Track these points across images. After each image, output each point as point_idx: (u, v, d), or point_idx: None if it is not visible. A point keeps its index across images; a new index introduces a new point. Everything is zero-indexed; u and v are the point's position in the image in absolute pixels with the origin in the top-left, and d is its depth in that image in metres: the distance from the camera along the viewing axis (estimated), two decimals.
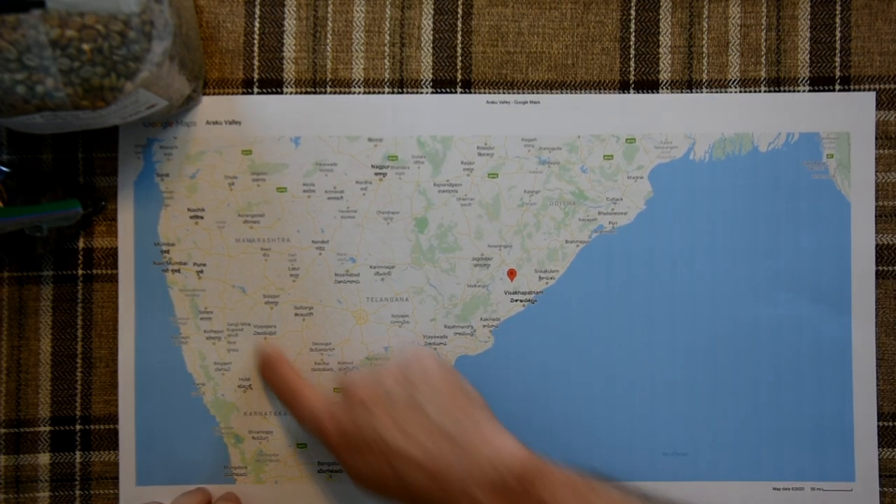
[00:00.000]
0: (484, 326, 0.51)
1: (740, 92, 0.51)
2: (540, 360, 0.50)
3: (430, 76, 0.51)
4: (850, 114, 0.50)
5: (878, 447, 0.50)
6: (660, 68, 0.51)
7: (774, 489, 0.50)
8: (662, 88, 0.51)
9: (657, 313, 0.50)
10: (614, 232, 0.50)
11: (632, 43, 0.51)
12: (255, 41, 0.50)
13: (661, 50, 0.51)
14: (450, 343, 0.50)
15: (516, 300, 0.51)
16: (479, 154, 0.50)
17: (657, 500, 0.40)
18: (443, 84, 0.51)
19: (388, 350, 0.51)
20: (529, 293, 0.51)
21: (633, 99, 0.51)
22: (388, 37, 0.51)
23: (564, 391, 0.50)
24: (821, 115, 0.50)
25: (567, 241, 0.50)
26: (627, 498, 0.40)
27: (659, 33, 0.51)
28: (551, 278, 0.51)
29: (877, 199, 0.50)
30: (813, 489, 0.50)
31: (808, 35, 0.51)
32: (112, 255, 0.50)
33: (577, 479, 0.40)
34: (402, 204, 0.50)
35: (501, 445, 0.41)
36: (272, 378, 0.49)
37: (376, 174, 0.50)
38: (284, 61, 0.50)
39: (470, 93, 0.51)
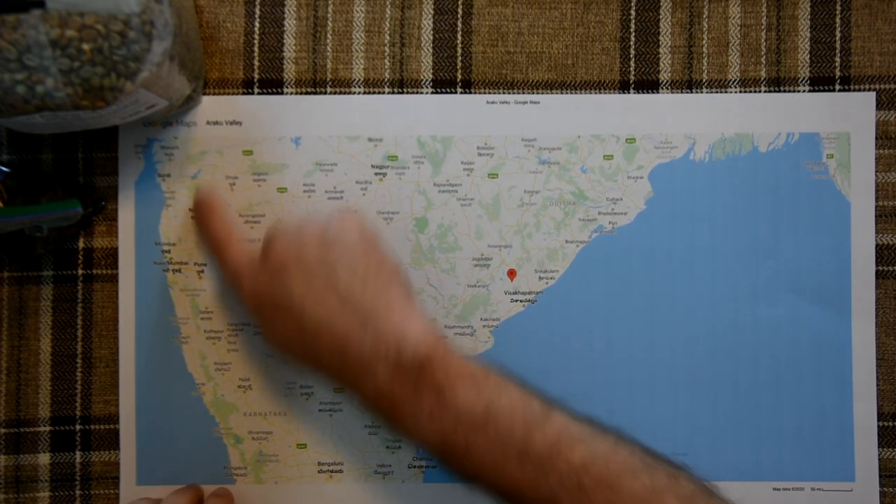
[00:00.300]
0: (484, 326, 0.50)
1: (740, 92, 0.50)
2: (540, 360, 0.50)
3: (430, 76, 0.50)
4: (850, 114, 0.50)
5: (878, 447, 0.50)
6: (660, 68, 0.51)
7: (774, 489, 0.50)
8: (662, 88, 0.51)
9: (657, 313, 0.50)
10: (614, 232, 0.50)
11: (632, 43, 0.51)
12: (255, 41, 0.50)
13: (661, 50, 0.51)
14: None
15: (516, 300, 0.50)
16: (479, 154, 0.50)
17: (561, 408, 0.40)
18: (443, 84, 0.50)
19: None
20: (529, 293, 0.50)
21: (634, 99, 0.50)
22: (388, 37, 0.50)
23: (564, 391, 0.48)
24: (821, 116, 0.50)
25: (567, 242, 0.50)
26: (527, 396, 0.39)
27: (659, 33, 0.51)
28: (551, 278, 0.50)
29: (877, 199, 0.50)
30: (813, 489, 0.50)
31: (808, 35, 0.50)
32: (112, 255, 0.50)
33: (475, 368, 0.40)
34: (402, 204, 0.50)
35: (409, 326, 0.40)
36: (204, 224, 0.47)
37: (376, 174, 0.50)
38: (284, 61, 0.50)
39: (470, 93, 0.51)
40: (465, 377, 0.39)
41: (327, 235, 0.42)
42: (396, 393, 0.39)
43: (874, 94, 0.50)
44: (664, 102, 0.50)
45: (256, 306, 0.43)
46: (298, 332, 0.41)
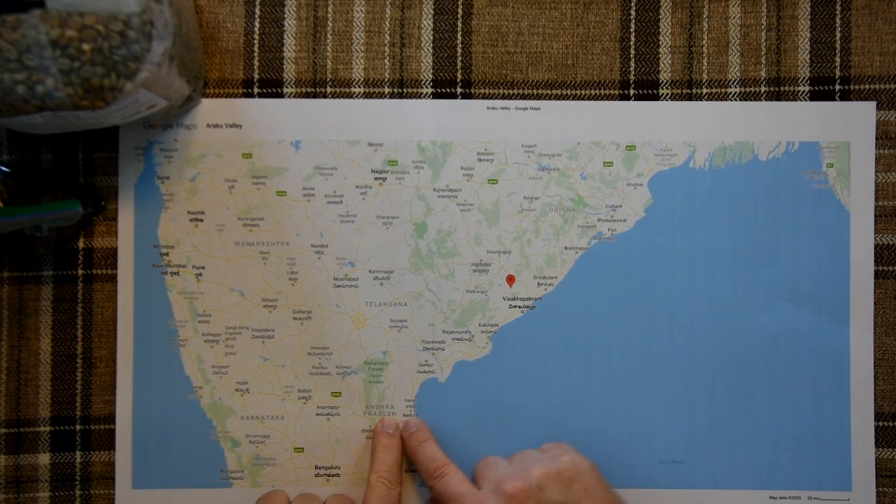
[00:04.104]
0: (482, 332, 0.49)
1: (740, 91, 0.50)
2: (538, 366, 0.49)
3: (430, 76, 0.50)
4: (850, 123, 0.49)
5: (876, 447, 0.49)
6: (660, 68, 0.50)
7: (771, 498, 0.49)
8: (662, 88, 0.50)
9: (655, 321, 0.49)
10: (613, 239, 0.50)
11: (632, 43, 0.50)
12: (255, 41, 0.50)
13: (661, 50, 0.50)
14: (448, 348, 0.49)
15: (515, 306, 0.50)
16: (479, 160, 0.50)
17: None
18: (443, 84, 0.50)
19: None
20: (528, 299, 0.50)
21: (634, 106, 0.50)
22: (388, 37, 0.50)
23: (562, 398, 0.49)
24: (821, 125, 0.49)
25: (566, 248, 0.50)
26: None
27: (659, 33, 0.50)
28: (550, 285, 0.50)
29: (876, 199, 0.49)
30: (810, 498, 0.49)
31: (808, 35, 0.50)
32: (112, 255, 0.49)
33: None
34: (402, 209, 0.49)
35: None
36: (416, 453, 0.48)
37: (376, 179, 0.49)
38: (284, 61, 0.50)
39: (470, 92, 0.50)
40: None
41: (564, 476, 0.43)
42: None
43: (874, 103, 0.49)
44: (664, 110, 0.50)
45: None
46: None
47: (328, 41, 0.50)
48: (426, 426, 0.49)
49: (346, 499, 0.47)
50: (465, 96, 0.50)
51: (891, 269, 0.49)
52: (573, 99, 0.50)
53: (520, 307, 0.50)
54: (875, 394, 0.49)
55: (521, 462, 0.45)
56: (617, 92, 0.50)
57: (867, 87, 0.50)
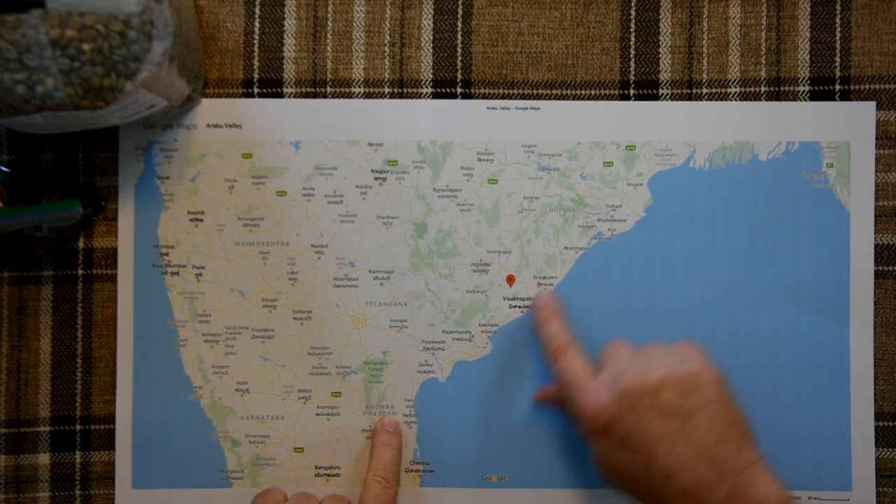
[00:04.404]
0: (482, 332, 0.49)
1: (740, 91, 0.50)
2: (538, 366, 0.49)
3: (430, 76, 0.50)
4: (850, 123, 0.49)
5: (876, 447, 0.49)
6: (660, 68, 0.50)
7: None
8: (662, 88, 0.50)
9: (655, 320, 0.49)
10: (613, 239, 0.49)
11: (632, 43, 0.50)
12: (255, 41, 0.50)
13: (661, 50, 0.50)
14: (448, 348, 0.49)
15: (515, 306, 0.49)
16: (479, 160, 0.49)
17: None
18: (443, 84, 0.50)
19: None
20: (528, 299, 0.49)
21: (634, 106, 0.49)
22: (388, 37, 0.50)
23: None
24: (821, 125, 0.49)
25: (566, 248, 0.49)
26: None
27: (659, 33, 0.50)
28: (550, 284, 0.49)
29: (876, 199, 0.49)
30: (810, 498, 0.49)
31: (808, 35, 0.50)
32: (112, 255, 0.49)
33: None
34: (402, 209, 0.49)
35: (768, 489, 0.39)
36: (540, 329, 0.47)
37: (376, 179, 0.49)
38: (284, 61, 0.50)
39: (470, 92, 0.50)
40: None
41: (685, 383, 0.41)
42: None
43: (874, 103, 0.49)
44: (664, 110, 0.49)
45: (602, 427, 0.42)
46: (646, 473, 0.40)
47: (328, 41, 0.50)
48: (555, 302, 0.48)
49: (343, 499, 0.47)
50: (465, 96, 0.50)
51: (891, 269, 0.49)
52: (573, 99, 0.50)
53: (520, 307, 0.49)
54: (875, 394, 0.49)
55: (647, 358, 0.43)
56: (617, 92, 0.50)
57: (867, 87, 0.49)
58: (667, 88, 0.50)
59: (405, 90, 0.50)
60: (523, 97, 0.50)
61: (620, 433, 0.41)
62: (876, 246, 0.49)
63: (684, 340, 0.45)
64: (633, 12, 0.50)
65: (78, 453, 0.49)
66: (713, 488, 0.39)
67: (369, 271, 0.49)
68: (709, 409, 0.41)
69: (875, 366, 0.49)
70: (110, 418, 0.49)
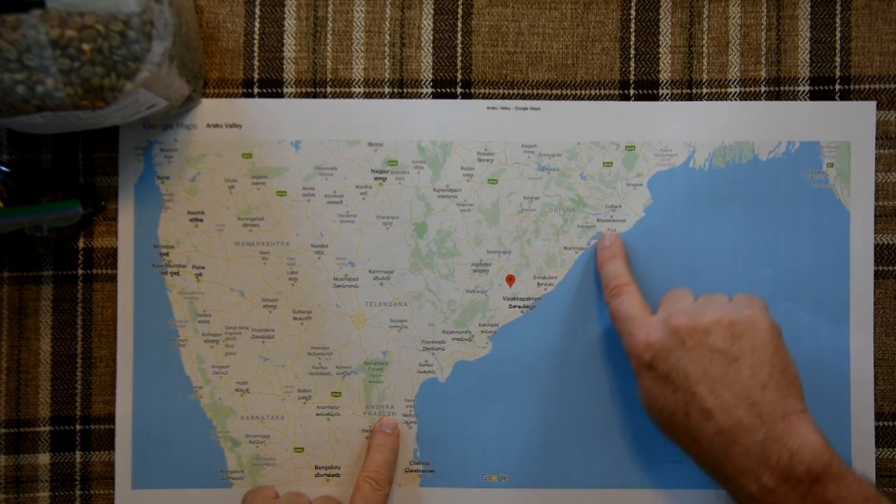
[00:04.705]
0: (482, 332, 0.49)
1: (740, 91, 0.49)
2: (538, 366, 0.49)
3: (430, 76, 0.49)
4: (851, 123, 0.49)
5: (876, 447, 0.49)
6: (660, 68, 0.50)
7: None
8: (662, 88, 0.50)
9: None
10: None
11: (632, 43, 0.50)
12: (255, 41, 0.50)
13: (661, 50, 0.50)
14: (448, 348, 0.49)
15: (515, 306, 0.49)
16: (479, 160, 0.49)
17: None
18: (443, 84, 0.49)
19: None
20: (528, 299, 0.49)
21: (634, 106, 0.49)
22: (388, 37, 0.50)
23: (562, 398, 0.49)
24: (821, 124, 0.49)
25: (566, 248, 0.49)
26: None
27: (659, 33, 0.50)
28: (550, 285, 0.49)
29: (876, 199, 0.49)
30: None
31: (808, 35, 0.50)
32: (112, 255, 0.49)
33: (871, 490, 0.38)
34: (402, 209, 0.49)
35: (806, 436, 0.39)
36: (602, 268, 0.48)
37: (376, 179, 0.49)
38: (284, 61, 0.49)
39: (470, 92, 0.50)
40: (859, 499, 0.38)
41: (736, 328, 0.41)
42: (780, 501, 0.38)
43: (874, 103, 0.49)
44: (664, 110, 0.49)
45: (648, 362, 0.42)
46: (684, 411, 0.41)
47: (328, 41, 0.49)
48: (620, 242, 0.48)
49: (334, 500, 0.47)
50: (465, 96, 0.50)
51: (891, 269, 0.49)
52: (573, 99, 0.50)
53: (520, 307, 0.49)
54: (875, 394, 0.49)
55: (705, 303, 0.43)
56: (617, 92, 0.50)
57: (867, 86, 0.49)
58: (667, 88, 0.50)
59: (405, 90, 0.49)
60: (523, 97, 0.50)
61: (664, 369, 0.41)
62: (876, 246, 0.49)
63: (745, 293, 0.45)
64: (633, 12, 0.50)
65: (78, 453, 0.49)
66: (750, 432, 0.39)
67: (369, 271, 0.49)
68: (755, 356, 0.41)
69: (875, 366, 0.49)
70: (110, 418, 0.49)
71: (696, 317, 0.42)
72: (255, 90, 0.49)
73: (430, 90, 0.49)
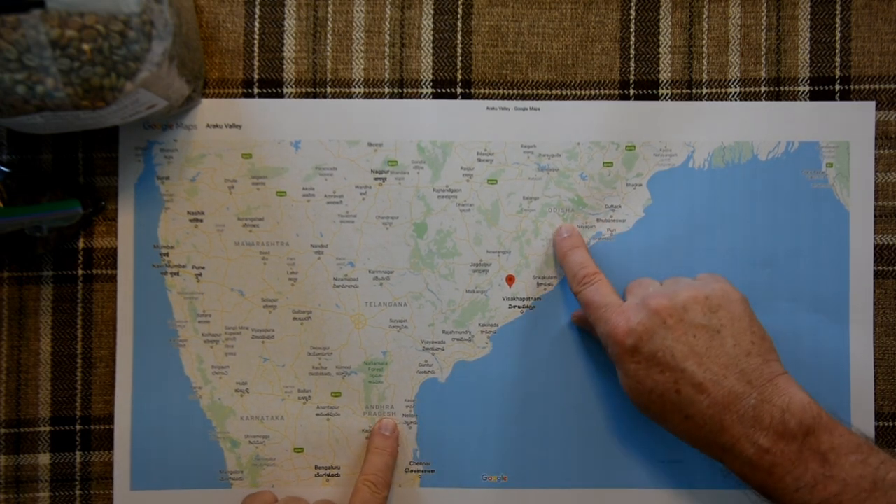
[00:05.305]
0: (482, 332, 0.49)
1: (740, 91, 0.49)
2: (538, 366, 0.49)
3: (430, 76, 0.49)
4: (850, 123, 0.49)
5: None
6: (660, 68, 0.50)
7: None
8: (662, 88, 0.49)
9: None
10: (612, 239, 0.49)
11: (632, 43, 0.50)
12: (255, 41, 0.49)
13: (661, 50, 0.50)
14: (448, 348, 0.49)
15: (514, 306, 0.49)
16: (479, 160, 0.49)
17: None
18: (443, 84, 0.49)
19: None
20: (528, 299, 0.49)
21: (633, 106, 0.49)
22: (388, 37, 0.49)
23: (562, 398, 0.49)
24: (821, 124, 0.49)
25: None
26: None
27: (659, 33, 0.50)
28: (549, 285, 0.49)
29: (876, 199, 0.49)
30: None
31: (808, 35, 0.50)
32: (112, 255, 0.49)
33: (861, 439, 0.39)
34: (402, 209, 0.49)
35: (794, 395, 0.40)
36: (566, 258, 0.48)
37: (376, 179, 0.49)
38: (284, 61, 0.49)
39: (470, 93, 0.49)
40: (851, 446, 0.39)
41: (712, 301, 0.42)
42: (777, 459, 0.39)
43: (874, 103, 0.49)
44: (664, 110, 0.49)
45: (631, 347, 0.42)
46: (675, 389, 0.41)
47: (328, 41, 0.49)
48: (578, 233, 0.49)
49: None
50: (465, 96, 0.49)
51: (891, 269, 0.49)
52: (573, 99, 0.50)
53: (520, 307, 0.49)
54: (875, 394, 0.49)
55: (672, 285, 0.44)
56: (617, 92, 0.50)
57: (867, 87, 0.49)
58: (667, 88, 0.49)
59: (405, 90, 0.49)
60: (523, 97, 0.50)
61: (649, 352, 0.42)
62: (875, 246, 0.49)
63: (707, 273, 0.46)
64: (633, 12, 0.50)
65: (78, 453, 0.49)
66: (743, 398, 0.40)
67: (369, 271, 0.49)
68: (735, 325, 0.42)
69: (875, 366, 0.49)
70: (110, 418, 0.49)
71: (673, 296, 0.42)
72: (255, 90, 0.49)
73: (429, 90, 0.49)
